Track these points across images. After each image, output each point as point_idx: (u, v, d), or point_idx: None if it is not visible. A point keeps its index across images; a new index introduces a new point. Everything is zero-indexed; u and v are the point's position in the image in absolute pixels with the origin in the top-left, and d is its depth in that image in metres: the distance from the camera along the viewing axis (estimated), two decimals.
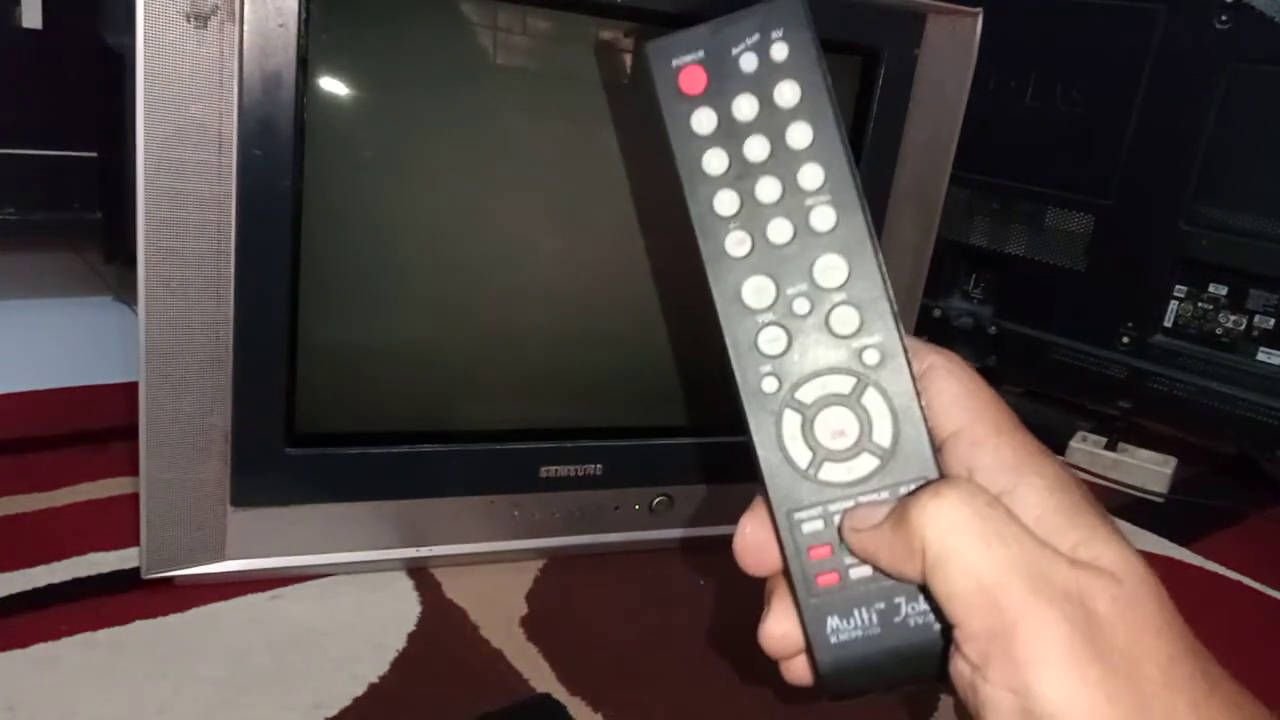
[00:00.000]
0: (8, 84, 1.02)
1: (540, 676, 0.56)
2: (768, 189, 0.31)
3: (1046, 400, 1.10)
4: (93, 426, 0.80)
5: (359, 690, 0.53)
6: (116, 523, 0.66)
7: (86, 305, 1.12)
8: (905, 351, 0.31)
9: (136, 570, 0.58)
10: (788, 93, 0.31)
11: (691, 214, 0.32)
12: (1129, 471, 0.95)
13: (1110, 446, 0.97)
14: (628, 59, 0.61)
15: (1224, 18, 0.88)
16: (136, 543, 0.57)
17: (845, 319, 0.31)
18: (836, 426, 0.31)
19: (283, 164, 0.53)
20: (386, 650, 0.57)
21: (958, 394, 0.32)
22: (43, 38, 1.02)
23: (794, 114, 0.31)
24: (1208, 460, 1.03)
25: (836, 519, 0.31)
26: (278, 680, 0.53)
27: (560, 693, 0.55)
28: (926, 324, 1.11)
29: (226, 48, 0.50)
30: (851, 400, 0.31)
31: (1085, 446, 0.98)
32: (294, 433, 0.58)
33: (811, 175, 0.31)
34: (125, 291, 1.14)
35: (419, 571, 0.65)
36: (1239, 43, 0.88)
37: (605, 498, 0.68)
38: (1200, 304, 0.94)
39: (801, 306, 0.31)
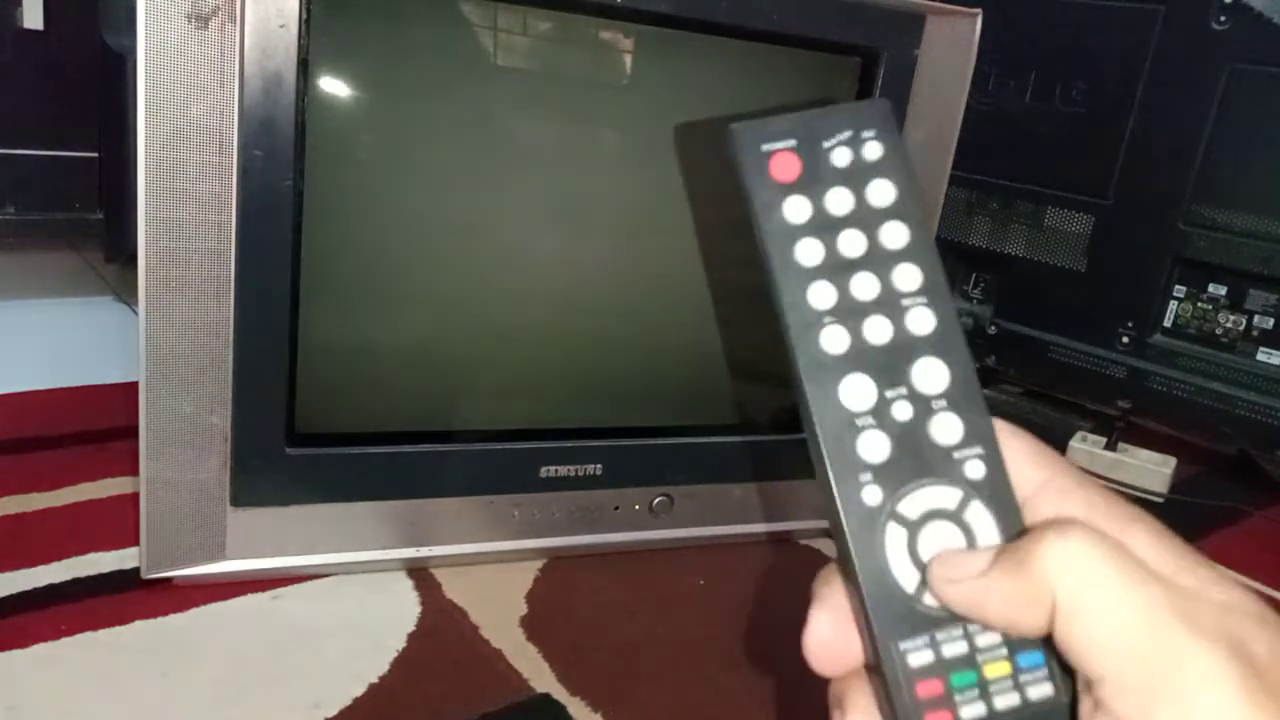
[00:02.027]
0: (8, 84, 1.02)
1: (540, 676, 0.56)
2: (866, 285, 0.30)
3: (1046, 400, 1.10)
4: (93, 426, 0.80)
5: (359, 690, 0.53)
6: (116, 523, 0.66)
7: (87, 305, 1.13)
8: (1003, 464, 0.30)
9: (136, 570, 0.58)
10: (883, 191, 0.31)
11: (783, 302, 0.30)
12: (1129, 471, 0.95)
13: (1110, 446, 0.97)
14: (627, 60, 0.61)
15: (1223, 18, 0.88)
16: (136, 543, 0.57)
17: (947, 427, 0.29)
18: (948, 543, 0.29)
19: (283, 164, 0.53)
20: (386, 650, 0.57)
21: (1029, 451, 0.30)
22: (43, 38, 1.03)
23: (889, 213, 0.30)
24: (1208, 460, 1.03)
25: (947, 651, 0.28)
26: (278, 680, 0.53)
27: (560, 693, 0.55)
28: None
29: (227, 48, 0.50)
30: (957, 515, 0.29)
31: (1085, 446, 0.98)
32: (294, 433, 0.58)
33: (909, 276, 0.30)
34: (126, 291, 1.14)
35: (419, 571, 0.65)
36: (1238, 43, 0.88)
37: (605, 498, 0.68)
38: (1200, 304, 0.94)
39: (902, 411, 0.29)
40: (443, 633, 0.59)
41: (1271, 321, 0.91)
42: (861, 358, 0.30)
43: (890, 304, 0.30)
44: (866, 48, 0.64)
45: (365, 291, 0.59)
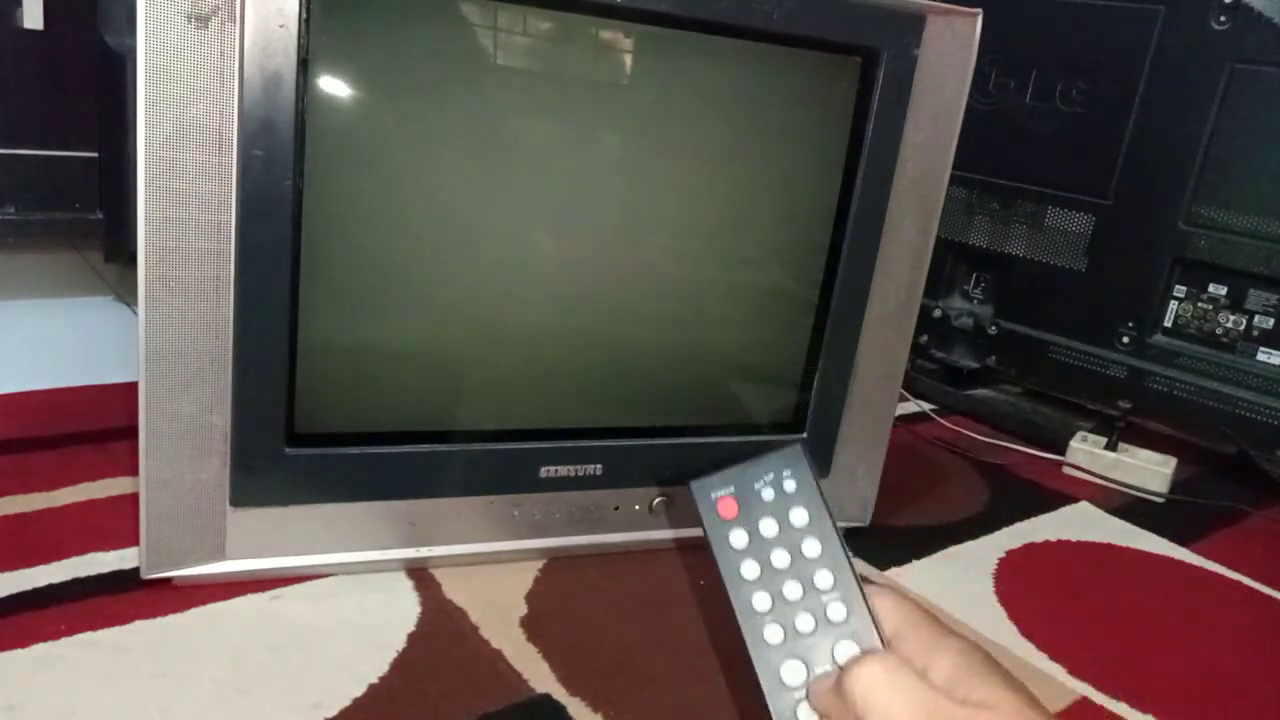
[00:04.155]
0: (9, 84, 1.02)
1: (540, 676, 0.56)
2: (792, 589, 0.42)
3: (1046, 400, 1.10)
4: (93, 426, 0.80)
5: (359, 690, 0.53)
6: (116, 523, 0.66)
7: (87, 305, 1.13)
8: (870, 622, 0.41)
9: (136, 570, 0.58)
10: (799, 516, 0.42)
11: (736, 609, 0.42)
12: (1129, 471, 0.95)
13: (1110, 446, 0.97)
14: (627, 60, 0.61)
15: (1223, 18, 0.89)
16: (136, 543, 0.57)
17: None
18: None
19: (283, 164, 0.53)
20: (386, 650, 0.57)
21: (888, 606, 0.42)
22: (44, 38, 1.03)
23: (805, 531, 0.42)
24: (1208, 460, 1.03)
25: None
26: (277, 680, 0.53)
27: (560, 693, 0.55)
28: (927, 324, 1.11)
29: (227, 48, 0.50)
30: None
31: (1085, 446, 0.98)
32: (294, 433, 0.58)
33: (824, 578, 0.42)
34: (126, 291, 1.14)
35: (419, 572, 0.65)
36: (1238, 43, 0.88)
37: (605, 498, 0.68)
38: (1200, 304, 0.94)
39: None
40: (443, 633, 0.59)
41: (1271, 321, 0.91)
42: (795, 645, 0.41)
43: (813, 602, 0.41)
44: (866, 48, 0.64)
45: (365, 291, 0.59)
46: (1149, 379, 0.97)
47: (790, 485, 0.43)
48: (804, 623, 0.41)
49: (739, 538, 0.42)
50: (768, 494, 0.43)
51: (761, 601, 0.41)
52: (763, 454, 0.43)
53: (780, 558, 0.42)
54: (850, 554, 0.42)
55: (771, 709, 0.40)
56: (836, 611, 0.41)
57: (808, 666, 0.40)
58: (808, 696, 0.40)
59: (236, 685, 0.52)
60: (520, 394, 0.65)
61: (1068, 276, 1.00)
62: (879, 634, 0.41)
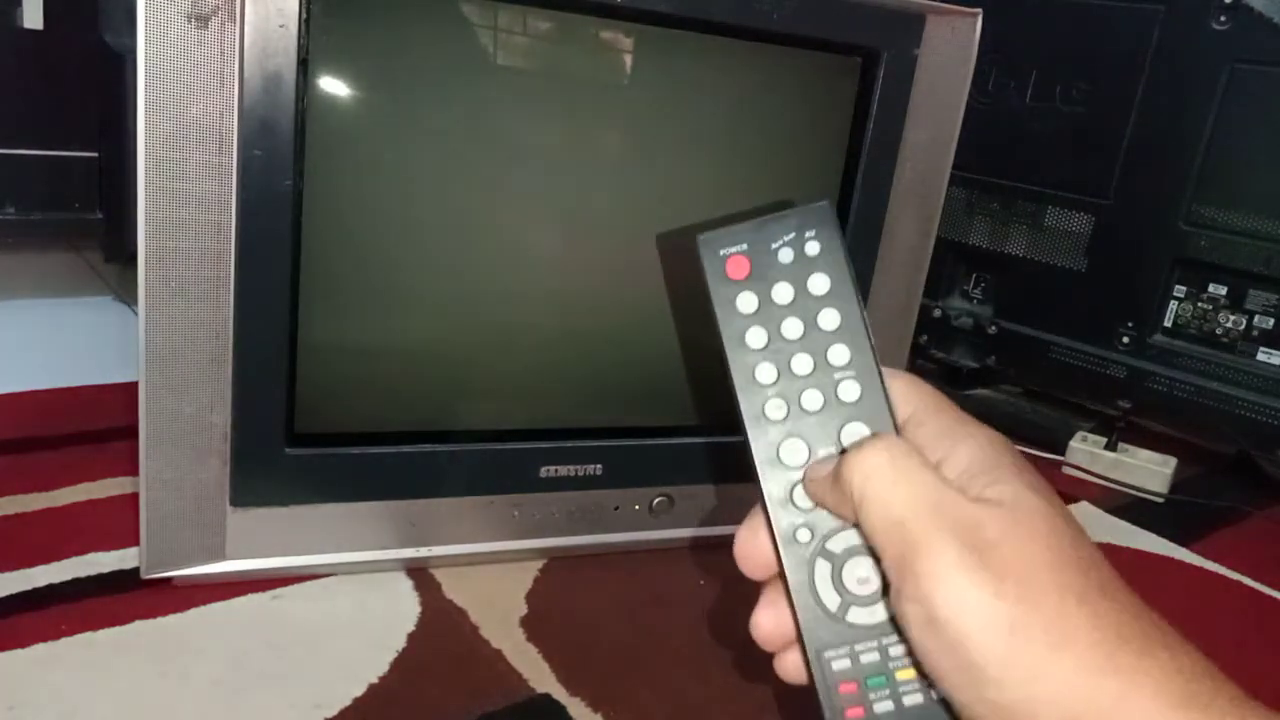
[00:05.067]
0: (8, 84, 1.02)
1: (540, 676, 0.56)
2: (802, 363, 0.36)
3: (1046, 400, 1.10)
4: (93, 426, 0.80)
5: (359, 690, 0.53)
6: (116, 523, 0.66)
7: (87, 305, 1.13)
8: (886, 401, 0.36)
9: (136, 570, 0.58)
10: (820, 283, 0.36)
11: (734, 380, 0.37)
12: (1129, 471, 0.95)
13: (1110, 446, 0.97)
14: (628, 60, 0.61)
15: (1223, 18, 0.88)
16: (136, 543, 0.57)
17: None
18: (861, 574, 0.35)
19: (283, 164, 0.53)
20: (386, 650, 0.57)
21: (902, 388, 0.37)
22: (43, 38, 1.03)
23: (824, 300, 0.36)
24: (1208, 460, 1.03)
25: (863, 659, 0.35)
26: (277, 680, 0.53)
27: (560, 693, 0.55)
28: (926, 324, 1.11)
29: (227, 48, 0.50)
30: (867, 546, 0.35)
31: (1085, 446, 0.98)
32: (294, 433, 0.58)
33: (839, 353, 0.36)
34: (125, 291, 1.14)
35: (419, 571, 0.65)
36: (1238, 43, 0.88)
37: (605, 498, 0.68)
38: (1200, 304, 0.94)
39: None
40: (443, 633, 0.59)
41: (1271, 321, 0.91)
42: (798, 424, 0.36)
43: (824, 378, 0.36)
44: (866, 48, 0.64)
45: (365, 291, 0.59)
46: (1149, 379, 0.96)
47: (813, 248, 0.37)
48: (811, 400, 0.36)
49: (747, 301, 0.37)
50: (785, 255, 0.37)
51: (765, 373, 0.36)
52: (784, 211, 0.37)
53: (792, 327, 0.36)
54: (872, 330, 0.36)
55: (764, 490, 0.36)
56: (849, 390, 0.36)
57: (809, 447, 0.36)
58: (803, 481, 0.36)
59: (236, 685, 0.52)
60: (520, 394, 0.65)
61: (1067, 276, 1.00)
62: (893, 420, 0.36)
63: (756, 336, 0.36)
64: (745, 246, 0.37)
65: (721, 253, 0.37)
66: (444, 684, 0.54)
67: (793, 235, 0.37)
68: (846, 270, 0.37)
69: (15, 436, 0.77)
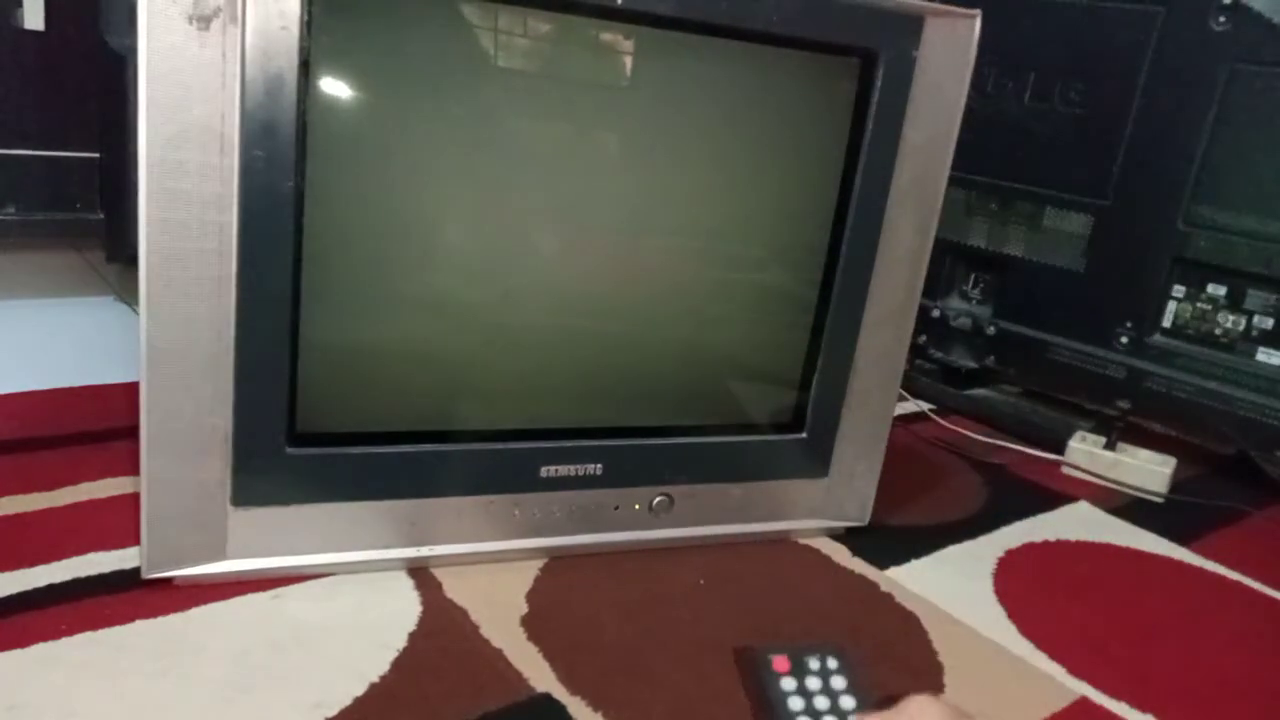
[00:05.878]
0: (9, 85, 1.03)
1: (540, 676, 0.56)
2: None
3: (1046, 400, 1.10)
4: (93, 426, 0.80)
5: (359, 690, 0.53)
6: (116, 523, 0.66)
7: (88, 305, 1.13)
8: None
9: (136, 570, 0.58)
10: (838, 682, 0.55)
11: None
12: (1128, 471, 0.96)
13: (1109, 446, 0.97)
14: (628, 60, 0.61)
15: (1222, 19, 0.89)
16: (136, 543, 0.57)
17: None
18: None
19: (284, 165, 0.53)
20: (387, 650, 0.57)
21: (922, 704, 0.48)
22: (44, 39, 1.03)
23: (843, 692, 0.54)
24: (1207, 460, 1.03)
25: None
26: (278, 680, 0.53)
27: (560, 693, 0.55)
28: (925, 324, 1.11)
29: (229, 50, 0.50)
30: None
31: (1084, 446, 0.98)
32: (295, 432, 0.58)
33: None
34: (126, 291, 1.15)
35: (419, 571, 0.65)
36: (1237, 43, 0.88)
37: (605, 497, 0.68)
38: (1199, 304, 0.94)
39: None
40: (443, 632, 0.59)
41: (1271, 321, 0.91)
42: None
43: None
44: (866, 48, 0.64)
45: (366, 292, 0.59)
46: (1148, 379, 0.97)
47: (832, 664, 0.56)
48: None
49: (788, 684, 0.55)
50: (814, 664, 0.56)
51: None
52: (811, 643, 0.58)
53: (821, 703, 0.54)
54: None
55: None
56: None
57: None
58: None
59: (238, 684, 0.52)
60: (521, 394, 0.65)
61: (1066, 277, 1.01)
62: None
63: (795, 703, 0.54)
64: (786, 655, 0.56)
65: (770, 657, 0.56)
66: (445, 683, 0.54)
67: (818, 656, 0.56)
68: (861, 680, 0.56)
69: (15, 436, 0.77)
